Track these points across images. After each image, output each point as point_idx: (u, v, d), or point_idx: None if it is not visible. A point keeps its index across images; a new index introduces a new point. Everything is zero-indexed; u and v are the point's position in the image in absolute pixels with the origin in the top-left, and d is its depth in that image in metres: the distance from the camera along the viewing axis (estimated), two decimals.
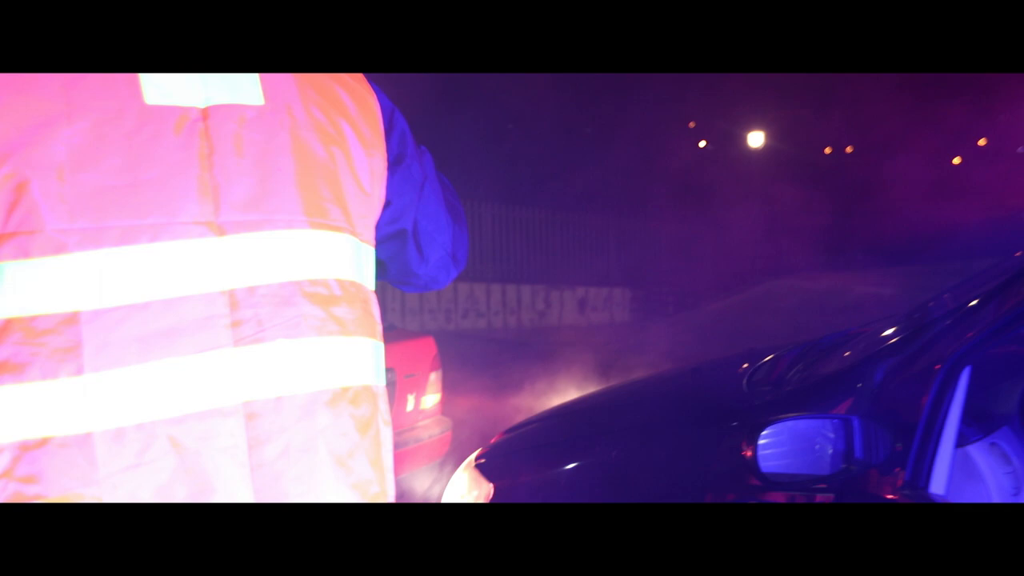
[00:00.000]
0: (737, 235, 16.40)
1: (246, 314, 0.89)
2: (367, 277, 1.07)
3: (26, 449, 0.79)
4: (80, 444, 0.80)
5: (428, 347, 4.14)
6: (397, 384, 3.88)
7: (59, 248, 0.82)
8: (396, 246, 1.22)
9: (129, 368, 0.83)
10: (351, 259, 1.02)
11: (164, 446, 0.83)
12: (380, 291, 1.23)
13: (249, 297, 0.90)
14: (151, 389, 0.84)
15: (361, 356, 1.02)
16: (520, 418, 6.14)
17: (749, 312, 11.80)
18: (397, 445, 3.82)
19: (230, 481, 0.87)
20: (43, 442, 0.79)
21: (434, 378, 4.15)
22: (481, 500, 2.19)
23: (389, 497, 1.06)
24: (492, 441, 2.49)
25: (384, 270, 1.26)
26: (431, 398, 4.15)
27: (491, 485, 2.19)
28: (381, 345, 1.10)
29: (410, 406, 3.97)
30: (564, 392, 7.16)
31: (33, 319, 0.81)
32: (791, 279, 13.15)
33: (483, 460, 2.32)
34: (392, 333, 4.15)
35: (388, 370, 3.98)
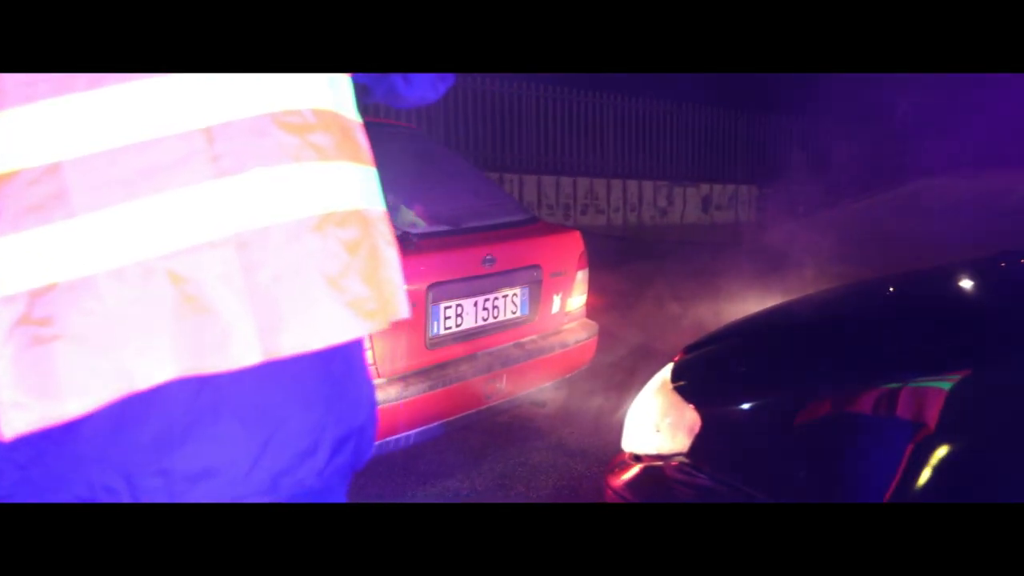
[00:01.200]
0: (880, 130, 15.14)
1: (224, 148, 0.92)
2: (345, 105, 1.07)
3: (36, 295, 0.84)
4: (85, 285, 0.85)
5: (575, 243, 3.72)
6: (543, 283, 3.49)
7: (29, 98, 0.85)
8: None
9: (118, 207, 0.87)
10: (326, 88, 1.03)
11: (163, 279, 0.87)
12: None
13: (225, 131, 0.93)
14: (142, 227, 0.87)
15: (344, 181, 1.03)
16: (664, 324, 5.76)
17: (897, 212, 10.87)
18: (541, 351, 3.45)
19: (229, 306, 0.90)
20: (51, 287, 0.84)
21: (581, 277, 3.75)
22: (682, 429, 1.78)
23: (390, 314, 1.08)
24: (679, 358, 2.05)
25: (369, 93, 1.28)
26: (577, 299, 3.76)
27: (696, 414, 1.77)
28: (370, 170, 1.09)
29: (555, 307, 3.59)
30: (708, 297, 6.66)
31: (16, 174, 0.84)
32: (944, 178, 12.01)
33: (682, 381, 1.89)
34: (536, 227, 3.72)
35: (533, 267, 3.60)
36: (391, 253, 1.12)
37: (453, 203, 3.51)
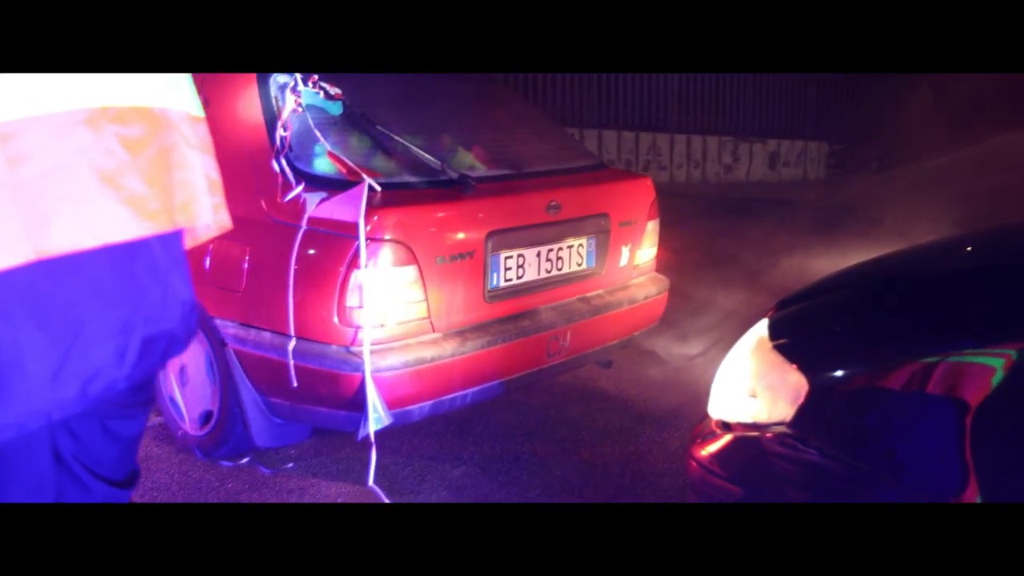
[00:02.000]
0: (960, 83, 14.32)
1: None
2: None
3: None
4: None
5: (645, 191, 3.44)
6: (611, 233, 3.22)
7: None
8: None
9: None
10: None
11: None
12: None
13: None
14: None
15: (129, 77, 1.01)
16: (737, 282, 5.43)
17: (980, 169, 10.23)
18: (608, 306, 3.20)
19: None
20: None
21: (651, 228, 3.47)
22: (785, 395, 1.52)
23: (179, 219, 1.10)
24: (775, 314, 1.78)
25: None
26: (647, 252, 3.48)
27: (802, 377, 1.51)
28: (180, 75, 1.08)
29: (623, 260, 3.33)
30: (783, 254, 6.29)
31: None
32: None
33: (782, 339, 1.62)
34: (604, 173, 3.44)
35: (601, 215, 3.33)
36: (195, 157, 1.13)
37: (516, 146, 3.25)
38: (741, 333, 1.81)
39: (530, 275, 2.96)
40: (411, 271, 2.57)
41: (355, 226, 2.48)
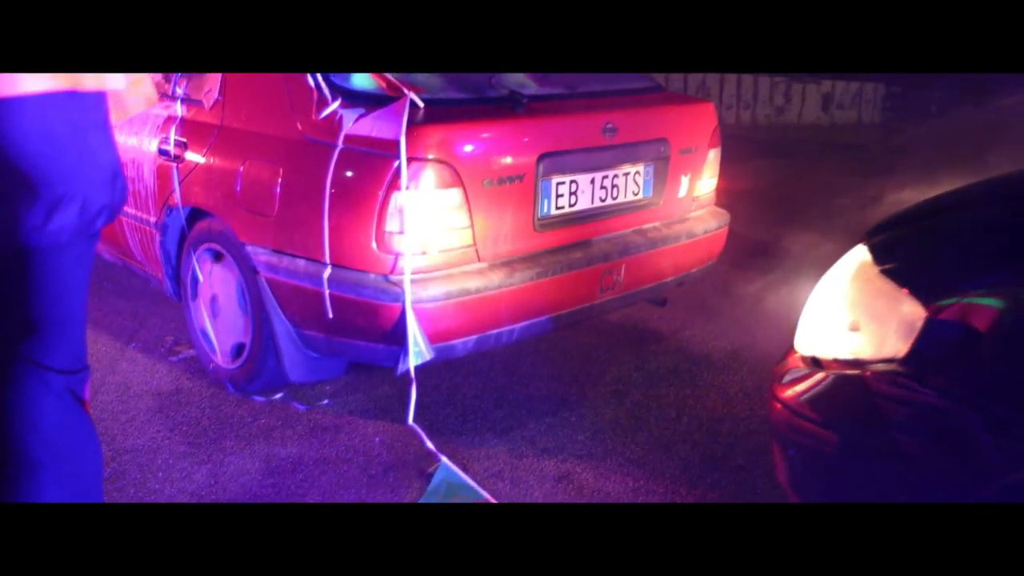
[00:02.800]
0: None
1: None
2: None
3: None
4: None
5: (708, 116, 3.17)
6: (671, 160, 2.97)
7: None
8: None
9: None
10: None
11: None
12: None
13: None
14: None
15: None
16: (798, 221, 5.12)
17: None
18: (665, 240, 2.96)
19: None
20: None
21: (712, 157, 3.21)
22: (896, 327, 1.30)
23: (80, 80, 1.23)
24: (873, 238, 1.54)
25: None
26: (707, 182, 3.23)
27: (918, 306, 1.28)
28: None
29: (682, 190, 3.08)
30: (845, 194, 5.97)
31: None
32: None
33: (890, 263, 1.39)
34: (663, 95, 3.18)
35: (660, 141, 3.08)
36: None
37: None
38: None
39: (583, 203, 2.73)
40: (456, 194, 2.37)
41: (396, 144, 2.27)
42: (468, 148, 2.38)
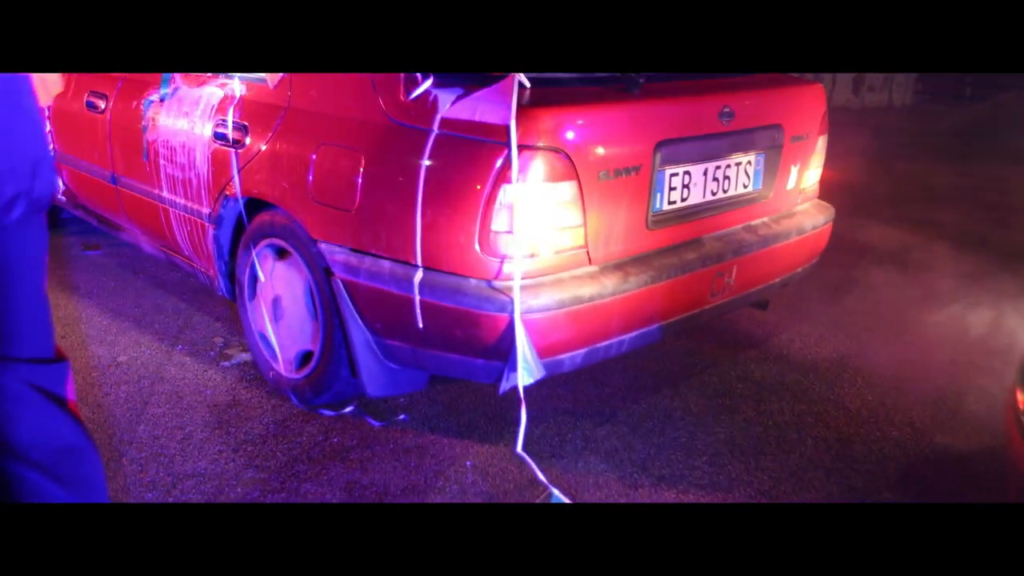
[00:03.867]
0: None
1: None
2: None
3: None
4: None
5: (818, 100, 2.86)
6: (784, 149, 2.66)
7: None
8: None
9: None
10: None
11: None
12: None
13: None
14: None
15: None
16: (864, 216, 4.79)
17: None
18: (776, 237, 2.66)
19: None
20: None
21: (821, 145, 2.90)
22: None
23: None
24: None
25: None
26: (814, 173, 2.92)
27: None
28: None
29: (791, 182, 2.77)
30: (907, 181, 5.66)
31: None
32: None
33: None
34: (772, 76, 2.85)
35: (774, 127, 2.76)
36: None
37: None
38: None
39: (695, 197, 2.43)
40: (570, 188, 2.06)
41: (504, 130, 1.97)
42: (584, 135, 2.07)
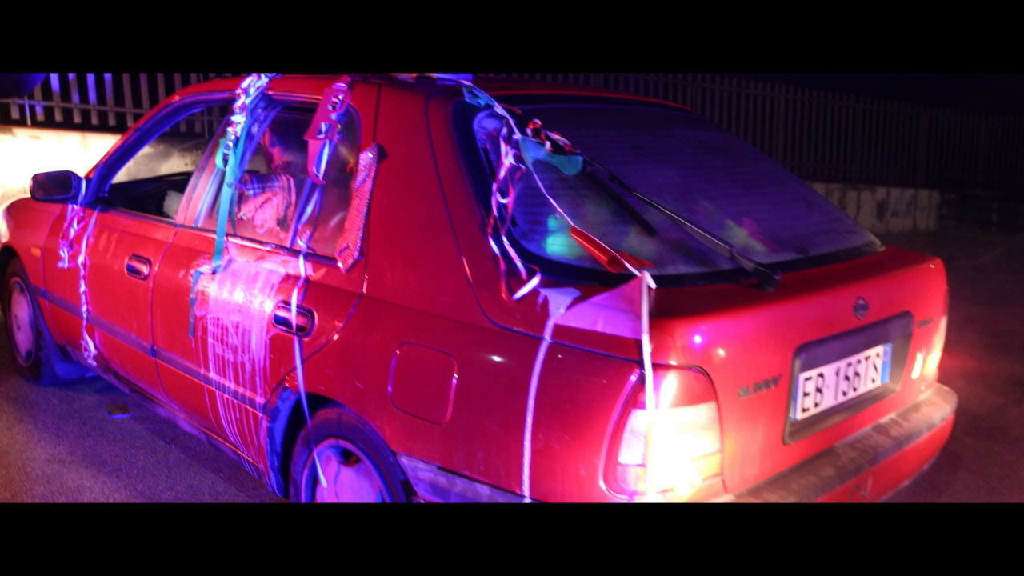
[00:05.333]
0: None
1: None
2: None
3: None
4: None
5: (940, 277, 2.58)
6: (912, 336, 2.37)
7: None
8: None
9: None
10: None
11: None
12: None
13: None
14: None
15: None
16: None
17: None
18: (908, 436, 2.34)
19: None
20: None
21: (943, 326, 2.61)
22: None
23: None
24: None
25: None
26: (935, 357, 2.63)
27: None
28: None
29: (916, 370, 2.47)
30: (971, 327, 5.35)
31: None
32: None
33: None
34: (892, 255, 2.57)
35: (904, 315, 2.45)
36: None
37: (785, 217, 2.43)
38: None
39: (827, 401, 2.12)
40: (709, 410, 1.75)
41: (633, 344, 1.67)
42: (722, 348, 1.78)
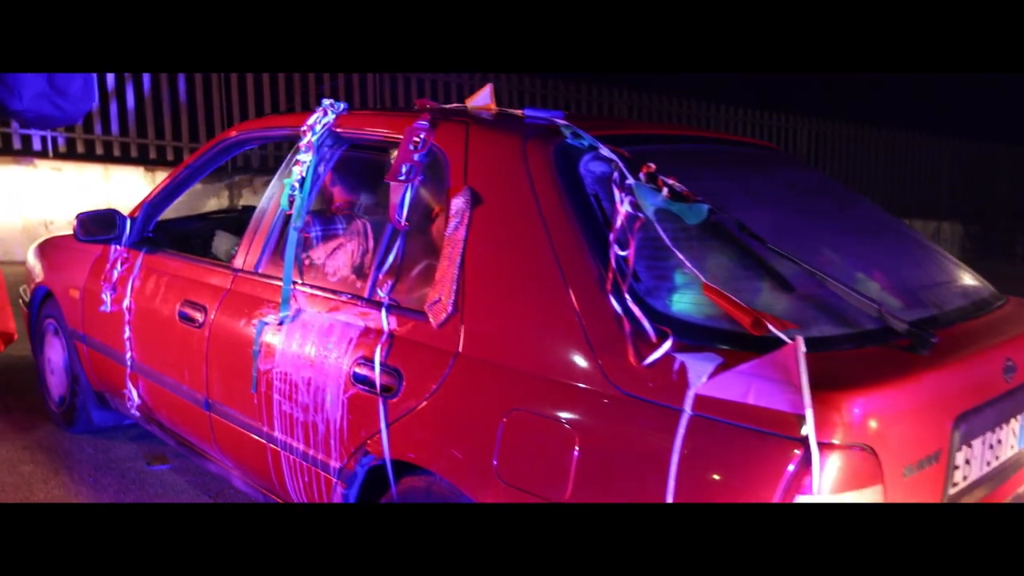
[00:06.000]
0: None
1: None
2: None
3: None
4: None
5: None
6: None
7: None
8: None
9: None
10: None
11: None
12: None
13: None
14: None
15: None
16: None
17: None
18: None
19: None
20: None
21: None
22: None
23: None
24: None
25: None
26: None
27: None
28: None
29: None
30: None
31: None
32: None
33: None
34: (1012, 307, 2.40)
35: None
36: None
37: (912, 270, 2.25)
38: None
39: (973, 474, 1.92)
40: (875, 495, 1.55)
41: (794, 420, 1.48)
42: (887, 422, 1.58)
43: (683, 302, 1.76)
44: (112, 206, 7.69)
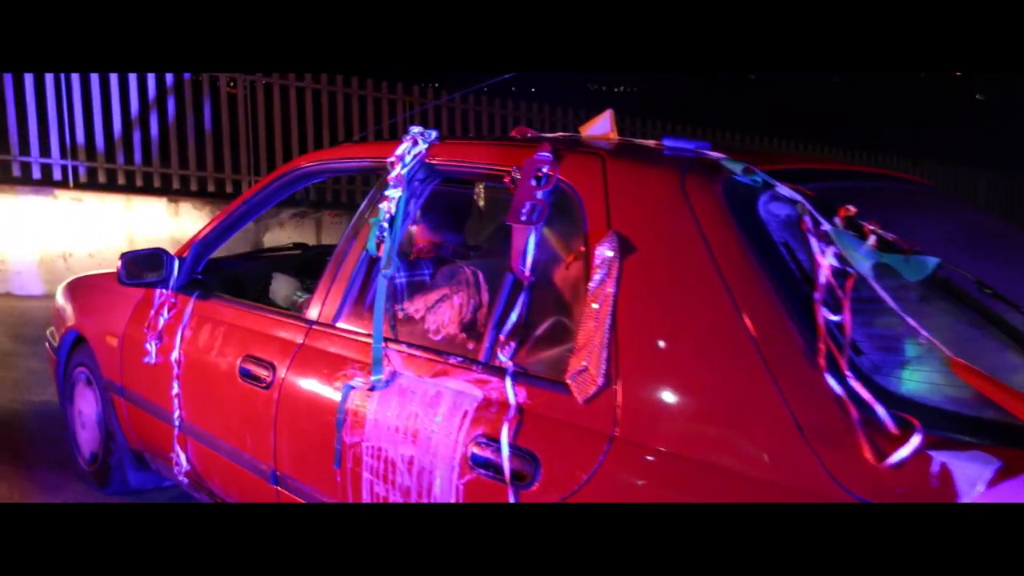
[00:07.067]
0: None
1: None
2: None
3: None
4: None
5: None
6: None
7: None
8: None
9: None
10: None
11: None
12: None
13: None
14: None
15: None
16: None
17: None
18: None
19: None
20: None
21: None
22: None
23: None
24: None
25: None
26: None
27: None
28: None
29: None
30: None
31: None
32: None
33: None
34: None
35: None
36: None
37: None
38: None
39: None
40: None
41: None
42: None
43: (920, 382, 1.40)
44: (134, 238, 7.31)
